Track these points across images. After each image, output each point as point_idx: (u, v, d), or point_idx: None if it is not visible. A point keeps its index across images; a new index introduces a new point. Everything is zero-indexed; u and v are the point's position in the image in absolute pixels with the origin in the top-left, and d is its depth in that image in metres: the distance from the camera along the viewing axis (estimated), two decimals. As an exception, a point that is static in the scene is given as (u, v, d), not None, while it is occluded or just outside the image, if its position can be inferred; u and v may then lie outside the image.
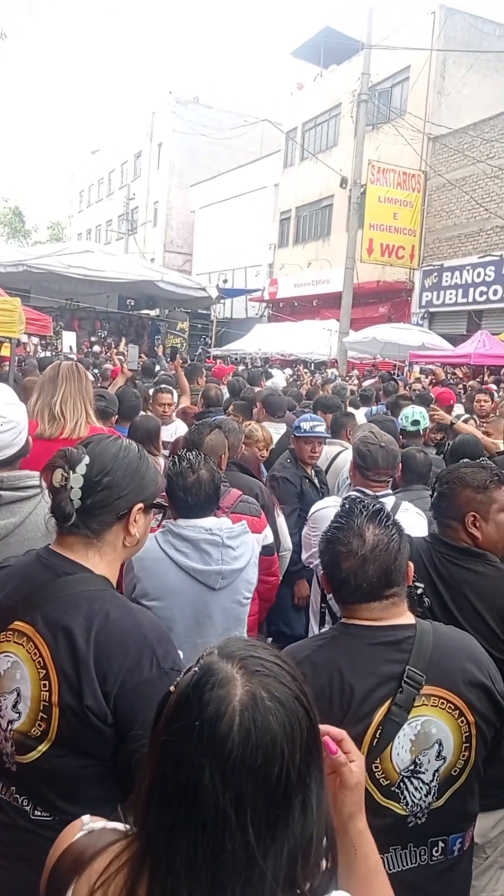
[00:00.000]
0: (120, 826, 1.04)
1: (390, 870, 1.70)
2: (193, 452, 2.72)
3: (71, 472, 1.64)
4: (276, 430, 5.59)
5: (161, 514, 2.17)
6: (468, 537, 2.47)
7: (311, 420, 4.70)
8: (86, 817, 1.08)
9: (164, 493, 3.21)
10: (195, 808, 0.84)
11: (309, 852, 0.88)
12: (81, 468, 1.64)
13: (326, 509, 3.25)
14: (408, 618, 1.78)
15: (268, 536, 3.37)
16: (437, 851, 1.75)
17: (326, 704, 1.68)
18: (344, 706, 1.67)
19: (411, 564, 1.81)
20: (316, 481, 4.78)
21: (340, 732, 1.20)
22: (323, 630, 1.89)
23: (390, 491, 3.42)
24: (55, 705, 1.54)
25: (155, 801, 0.89)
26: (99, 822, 1.06)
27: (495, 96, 21.88)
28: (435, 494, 2.58)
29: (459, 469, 2.58)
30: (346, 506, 1.84)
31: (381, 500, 3.23)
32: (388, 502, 3.31)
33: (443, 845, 1.76)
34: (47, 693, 1.55)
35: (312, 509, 3.49)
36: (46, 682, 1.55)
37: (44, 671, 1.56)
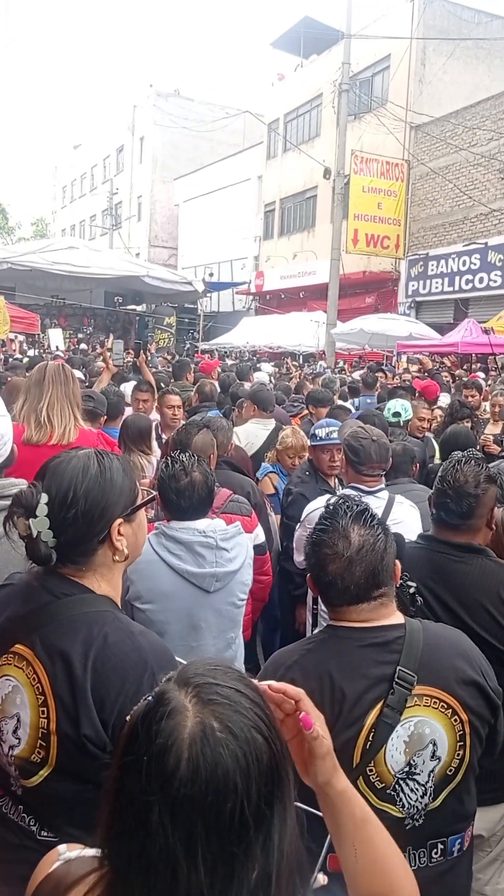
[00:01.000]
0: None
1: None
2: (187, 454, 2.69)
3: (31, 518, 1.54)
4: (265, 427, 5.51)
5: (153, 510, 2.09)
6: (486, 533, 2.44)
7: (328, 426, 4.24)
8: (62, 847, 1.06)
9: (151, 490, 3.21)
10: (146, 846, 0.81)
11: (272, 888, 0.84)
12: (42, 509, 1.55)
13: (322, 509, 3.23)
14: (397, 618, 1.76)
15: (259, 536, 3.35)
16: (436, 853, 1.74)
17: (318, 709, 1.66)
18: (335, 710, 1.65)
19: (398, 563, 1.79)
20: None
21: (297, 692, 1.15)
22: (313, 633, 1.87)
23: (383, 486, 3.40)
24: (53, 733, 1.50)
25: (113, 837, 0.86)
26: (76, 850, 1.04)
27: (476, 84, 21.85)
28: (462, 499, 2.40)
29: (473, 465, 2.46)
30: (331, 507, 1.82)
31: (376, 494, 3.24)
32: (384, 496, 3.30)
33: (442, 847, 1.75)
34: (45, 720, 1.51)
35: (306, 510, 3.44)
36: (45, 709, 1.51)
37: (42, 697, 1.51)
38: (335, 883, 1.21)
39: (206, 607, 2.59)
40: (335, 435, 4.09)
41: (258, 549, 3.13)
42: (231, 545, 2.65)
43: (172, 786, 0.80)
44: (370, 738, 1.65)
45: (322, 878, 1.18)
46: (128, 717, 0.90)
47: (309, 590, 3.36)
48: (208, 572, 2.56)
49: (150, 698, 0.88)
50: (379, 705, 1.65)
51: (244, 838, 0.82)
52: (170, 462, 2.65)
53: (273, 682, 1.11)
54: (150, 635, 1.66)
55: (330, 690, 1.67)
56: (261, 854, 0.83)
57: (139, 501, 1.70)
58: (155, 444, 4.99)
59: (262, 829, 0.83)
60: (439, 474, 2.49)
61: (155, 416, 5.78)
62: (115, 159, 44.41)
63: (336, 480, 4.24)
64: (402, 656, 1.68)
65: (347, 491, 3.31)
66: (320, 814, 1.21)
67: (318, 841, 1.19)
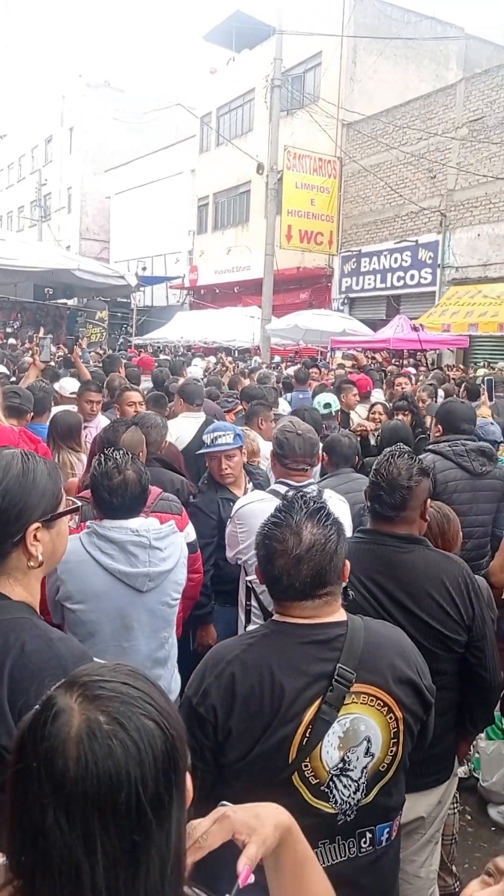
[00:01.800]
0: None
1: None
2: (121, 451, 2.63)
3: None
4: (195, 420, 5.47)
5: (77, 517, 2.04)
6: (420, 524, 2.49)
7: (215, 430, 3.90)
8: None
9: (84, 494, 3.12)
10: (47, 851, 0.81)
11: (172, 871, 0.86)
12: None
13: (252, 504, 3.20)
14: (340, 615, 1.77)
15: (190, 534, 3.29)
16: (365, 843, 1.77)
17: (257, 704, 1.67)
18: (274, 706, 1.65)
19: (348, 563, 1.79)
20: None
21: (249, 846, 1.06)
22: (253, 627, 1.85)
23: (313, 480, 3.39)
24: None
25: (16, 848, 0.85)
26: None
27: (405, 83, 22.23)
28: (395, 491, 2.43)
29: (406, 459, 2.50)
30: (288, 501, 1.81)
31: (303, 490, 3.23)
32: (311, 491, 3.30)
33: (370, 836, 1.78)
34: None
35: (237, 505, 3.40)
36: None
37: None
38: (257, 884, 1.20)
39: (138, 607, 2.54)
40: (223, 440, 3.83)
41: (189, 546, 3.09)
42: (165, 544, 2.61)
43: (65, 786, 0.80)
44: (307, 735, 1.66)
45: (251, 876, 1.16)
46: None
47: (240, 587, 3.34)
48: (141, 572, 2.51)
49: (37, 706, 0.87)
50: (317, 702, 1.66)
51: (143, 825, 0.82)
52: (103, 459, 2.59)
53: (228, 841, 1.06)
54: (70, 641, 1.63)
55: (270, 686, 1.67)
56: (162, 838, 0.84)
57: (62, 509, 1.65)
58: None
59: (161, 813, 0.84)
60: (374, 468, 2.53)
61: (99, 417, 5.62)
62: (43, 150, 43.45)
63: (249, 486, 4.00)
64: (342, 654, 1.69)
65: (275, 486, 3.30)
66: None
67: None
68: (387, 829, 1.81)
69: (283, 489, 3.13)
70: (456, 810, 3.10)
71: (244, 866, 1.05)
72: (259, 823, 1.10)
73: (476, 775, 3.93)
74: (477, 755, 3.93)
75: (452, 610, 2.36)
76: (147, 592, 2.54)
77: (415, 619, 2.32)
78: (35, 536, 1.57)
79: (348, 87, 22.11)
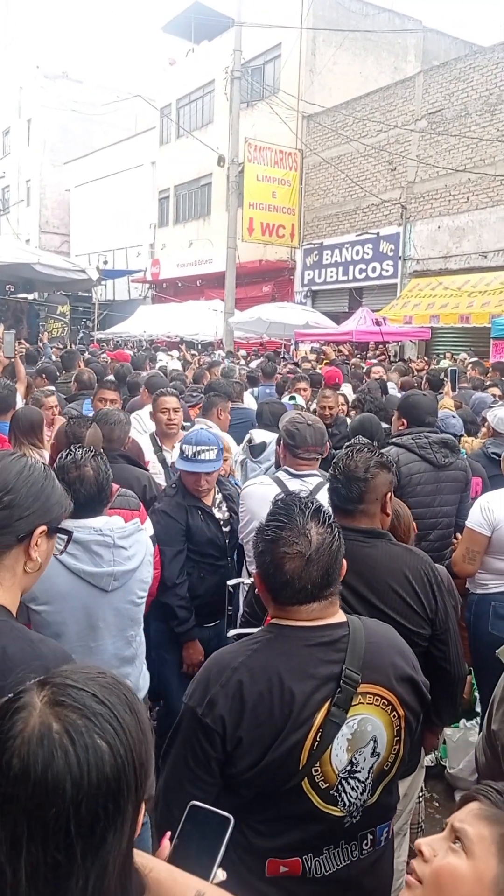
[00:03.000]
0: None
1: (325, 871, 1.71)
2: (84, 449, 2.62)
3: None
4: None
5: (66, 541, 2.01)
6: (382, 518, 2.49)
7: (197, 444, 3.45)
8: None
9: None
10: None
11: None
12: None
13: (254, 486, 3.29)
14: (340, 615, 1.76)
15: (147, 528, 3.27)
16: (366, 844, 1.77)
17: (266, 711, 1.63)
18: (285, 712, 1.63)
19: (345, 562, 1.79)
20: (217, 510, 3.69)
21: None
22: (254, 631, 1.82)
23: (316, 472, 3.42)
24: None
25: None
26: None
27: (365, 75, 22.33)
28: (352, 483, 2.43)
29: (365, 453, 2.50)
30: (282, 503, 1.77)
31: (303, 479, 3.34)
32: (312, 481, 3.35)
33: (371, 837, 1.78)
34: None
35: (244, 485, 3.44)
36: None
37: None
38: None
39: (104, 606, 2.52)
40: (206, 456, 3.44)
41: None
42: (129, 543, 2.59)
43: (2, 783, 0.79)
44: (318, 739, 1.64)
45: (221, 874, 1.15)
46: None
47: (242, 579, 3.38)
48: (105, 571, 2.49)
49: (9, 695, 0.86)
50: (326, 705, 1.65)
51: (69, 847, 0.79)
52: (64, 454, 2.59)
53: None
54: (50, 642, 1.62)
55: (279, 691, 1.64)
56: (88, 865, 0.81)
57: (61, 526, 1.70)
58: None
59: (91, 839, 0.81)
60: (333, 462, 2.53)
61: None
62: (1, 142, 42.74)
63: (217, 496, 3.77)
64: (347, 655, 1.68)
65: (278, 473, 3.39)
66: (223, 813, 1.19)
67: (216, 838, 1.17)
68: (385, 829, 1.81)
69: (286, 477, 3.22)
70: (422, 799, 3.13)
71: None
72: None
73: (443, 763, 3.99)
74: (444, 742, 3.98)
75: (415, 604, 2.35)
76: (112, 592, 2.52)
77: (378, 613, 2.30)
78: (37, 541, 1.59)
79: (308, 79, 22.12)
